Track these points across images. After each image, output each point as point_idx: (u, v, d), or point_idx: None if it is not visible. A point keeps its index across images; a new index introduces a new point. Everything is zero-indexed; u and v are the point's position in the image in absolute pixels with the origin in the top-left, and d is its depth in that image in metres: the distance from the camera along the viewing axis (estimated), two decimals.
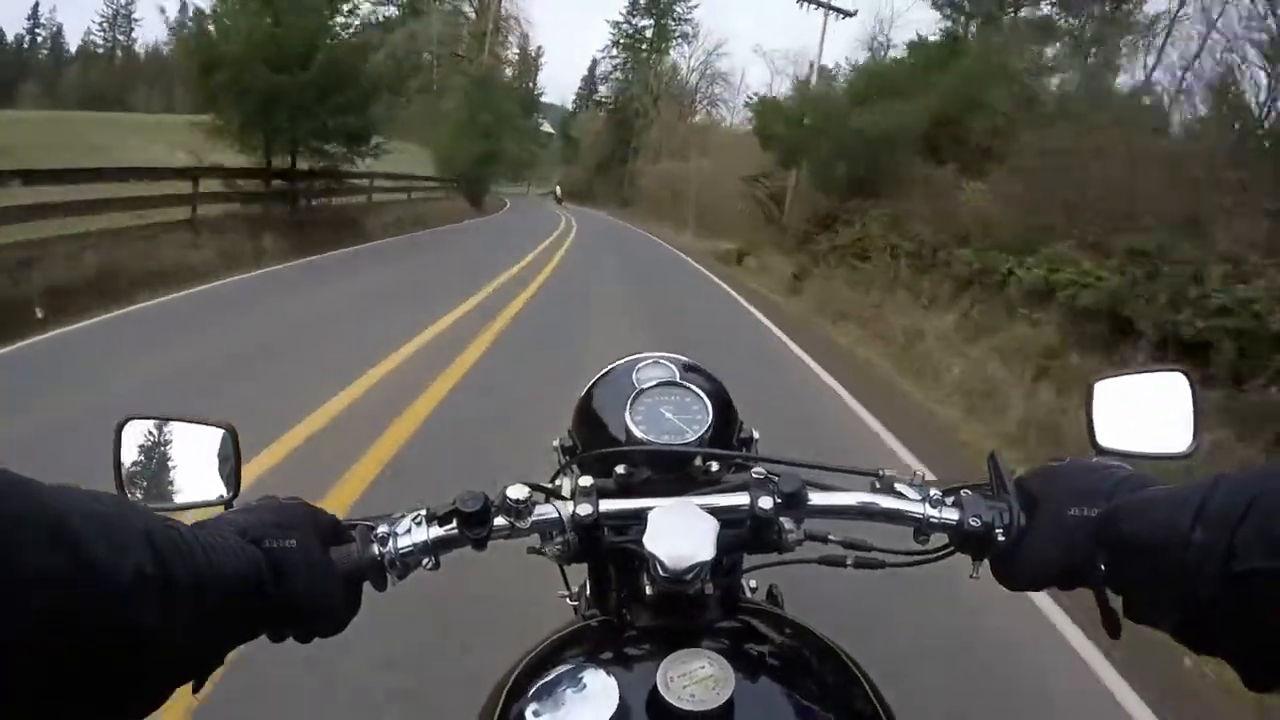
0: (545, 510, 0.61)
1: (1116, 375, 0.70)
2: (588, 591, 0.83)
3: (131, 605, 0.36)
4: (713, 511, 0.59)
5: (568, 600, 0.91)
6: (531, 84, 59.50)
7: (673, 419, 0.73)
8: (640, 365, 0.84)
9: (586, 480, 0.63)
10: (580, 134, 54.99)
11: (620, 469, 0.68)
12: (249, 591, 0.46)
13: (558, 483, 0.65)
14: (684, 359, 0.86)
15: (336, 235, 11.48)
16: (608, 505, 0.61)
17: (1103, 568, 0.52)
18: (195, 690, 0.44)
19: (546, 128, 60.58)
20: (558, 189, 44.44)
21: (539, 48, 60.70)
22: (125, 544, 0.37)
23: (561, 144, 57.70)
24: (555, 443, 0.86)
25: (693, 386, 0.76)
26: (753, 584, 0.79)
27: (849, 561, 0.68)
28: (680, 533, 0.57)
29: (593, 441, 0.79)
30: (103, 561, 0.35)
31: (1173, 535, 0.45)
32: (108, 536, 0.36)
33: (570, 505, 0.61)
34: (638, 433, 0.71)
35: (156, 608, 0.38)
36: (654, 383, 0.76)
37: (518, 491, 0.59)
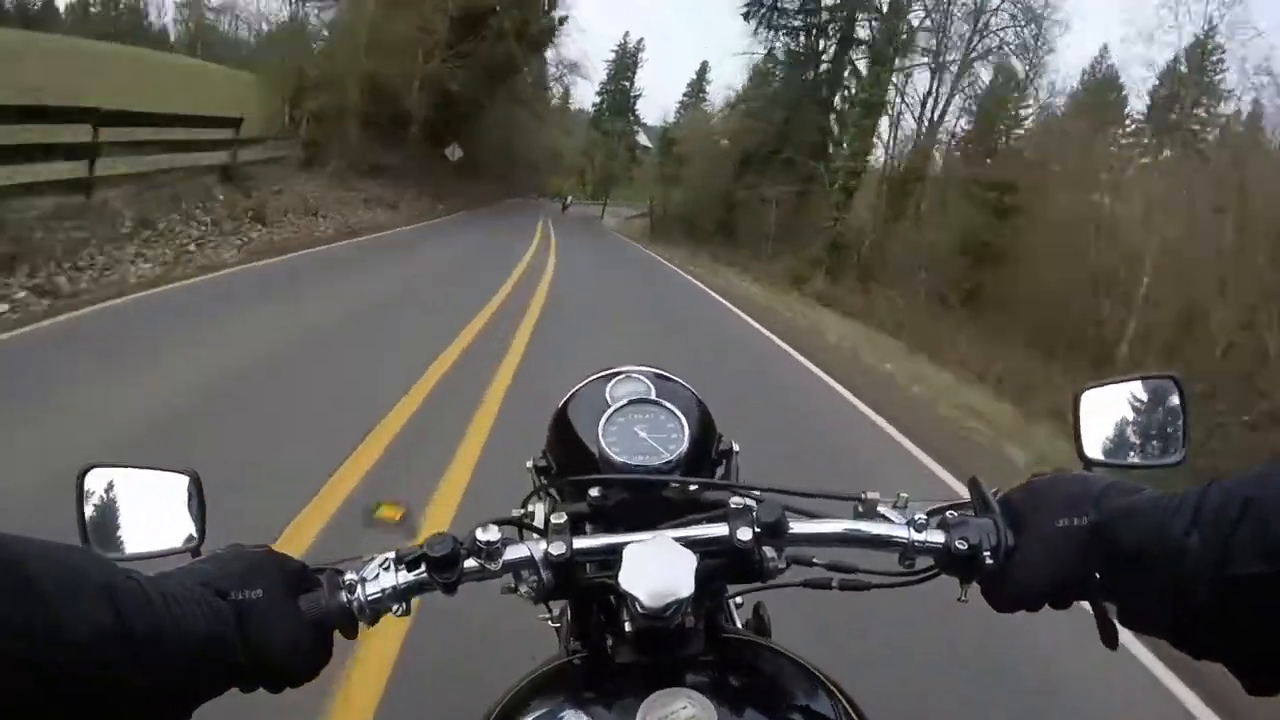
0: (517, 550, 0.59)
1: (1104, 384, 0.67)
2: (568, 616, 0.82)
3: (90, 657, 0.36)
4: (690, 544, 0.58)
5: (549, 623, 0.89)
6: (628, 83, 52.90)
7: (646, 438, 0.70)
8: (613, 381, 0.79)
9: (559, 517, 0.62)
10: (685, 134, 35.52)
11: (595, 491, 0.67)
12: (214, 645, 0.45)
13: (530, 508, 0.65)
14: (659, 372, 0.82)
15: None
16: (582, 543, 0.60)
17: (1097, 576, 0.51)
18: None
19: (643, 140, 56.71)
20: (568, 198, 42.24)
21: (640, 40, 51.48)
22: (83, 595, 0.37)
23: (660, 160, 42.60)
24: (529, 463, 0.83)
25: (667, 404, 0.73)
26: (739, 600, 0.78)
27: (834, 584, 0.67)
28: (657, 569, 0.55)
29: (567, 462, 0.76)
30: (61, 612, 0.35)
31: (1168, 541, 0.44)
32: (66, 587, 0.36)
33: (543, 544, 0.59)
34: (610, 454, 0.69)
35: (115, 660, 0.37)
36: (626, 400, 0.73)
37: (488, 533, 0.57)
